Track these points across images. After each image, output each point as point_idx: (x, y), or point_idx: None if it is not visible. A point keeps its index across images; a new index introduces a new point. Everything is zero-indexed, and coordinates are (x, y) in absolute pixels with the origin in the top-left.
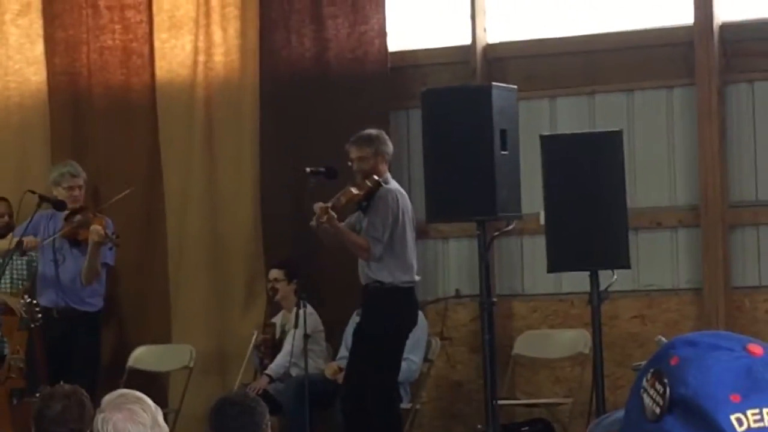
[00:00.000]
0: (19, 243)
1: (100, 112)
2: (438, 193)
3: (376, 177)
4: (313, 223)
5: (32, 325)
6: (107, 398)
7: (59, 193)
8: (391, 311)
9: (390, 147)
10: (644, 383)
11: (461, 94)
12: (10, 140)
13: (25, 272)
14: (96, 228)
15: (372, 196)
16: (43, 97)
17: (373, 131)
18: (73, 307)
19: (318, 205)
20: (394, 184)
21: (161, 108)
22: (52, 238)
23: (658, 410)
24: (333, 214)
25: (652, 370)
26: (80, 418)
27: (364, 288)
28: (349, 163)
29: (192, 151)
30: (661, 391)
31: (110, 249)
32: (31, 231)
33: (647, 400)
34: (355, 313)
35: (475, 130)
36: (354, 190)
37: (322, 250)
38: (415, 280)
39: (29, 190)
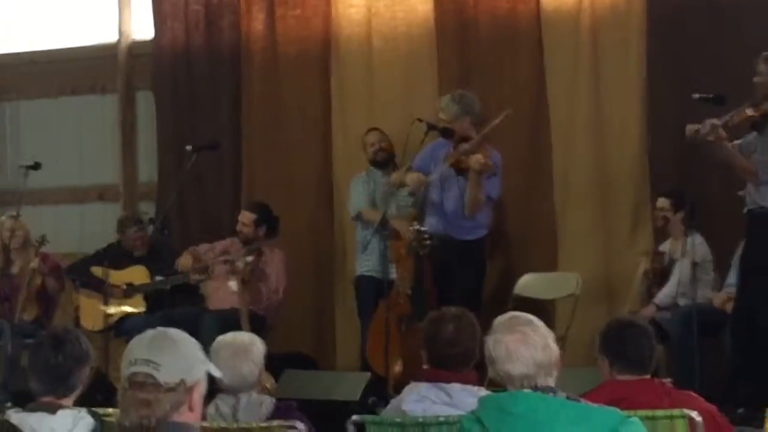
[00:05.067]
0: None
1: (486, 41)
2: None
3: None
4: (695, 133)
5: (420, 252)
6: (498, 320)
7: (463, 126)
8: None
9: None
10: None
11: None
12: (399, 69)
13: (410, 199)
14: (477, 157)
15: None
16: (430, 26)
17: None
18: (453, 236)
19: (709, 122)
20: None
21: (547, 36)
22: (439, 171)
23: None
24: (722, 132)
25: None
26: (472, 337)
27: (748, 213)
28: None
29: (578, 79)
30: None
31: (490, 179)
32: (428, 160)
33: None
34: (743, 241)
35: None
36: (749, 111)
37: (711, 178)
38: None
39: (418, 119)
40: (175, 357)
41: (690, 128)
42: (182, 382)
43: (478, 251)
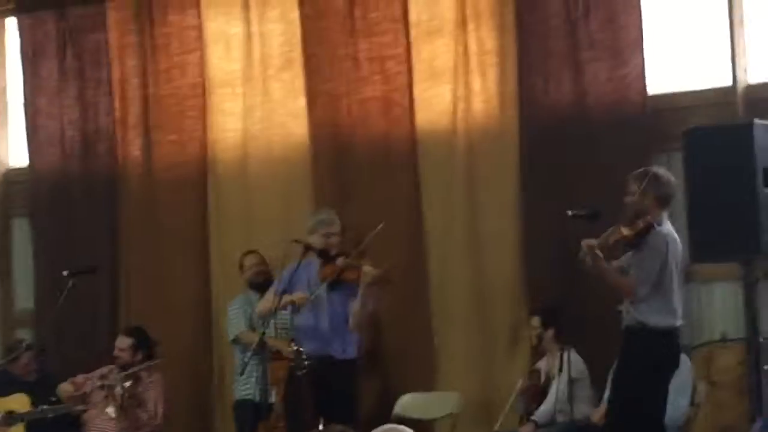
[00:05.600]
0: (292, 303)
1: (361, 164)
2: (701, 234)
3: (649, 218)
4: (582, 257)
5: (299, 373)
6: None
7: (316, 241)
8: (652, 353)
9: (666, 188)
10: None
11: (723, 132)
12: (276, 191)
13: (288, 322)
14: (369, 269)
15: (643, 237)
16: (305, 148)
17: (651, 169)
18: (332, 356)
19: (585, 243)
20: (667, 227)
21: (422, 157)
22: (319, 290)
23: None
24: (599, 253)
25: None
26: None
27: (625, 329)
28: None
29: (453, 200)
30: None
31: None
32: (289, 283)
33: None
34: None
35: (737, 168)
36: (624, 230)
37: (587, 294)
38: (678, 325)
39: (295, 240)
40: None
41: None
42: None
43: (353, 370)
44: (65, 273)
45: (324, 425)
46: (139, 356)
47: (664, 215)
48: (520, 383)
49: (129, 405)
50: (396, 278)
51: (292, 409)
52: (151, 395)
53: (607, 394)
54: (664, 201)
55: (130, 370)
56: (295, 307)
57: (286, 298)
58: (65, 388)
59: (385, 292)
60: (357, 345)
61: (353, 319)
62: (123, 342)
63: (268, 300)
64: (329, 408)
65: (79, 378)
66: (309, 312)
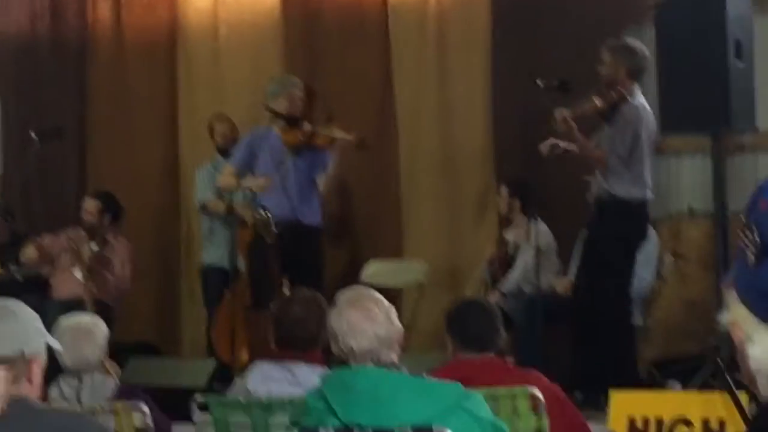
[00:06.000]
0: (250, 190)
1: (332, 30)
2: (671, 106)
3: (621, 89)
4: (554, 127)
5: (267, 239)
6: (342, 295)
7: (279, 105)
8: (621, 224)
9: (639, 60)
10: (742, 233)
11: (696, 3)
12: (245, 57)
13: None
14: (343, 134)
15: (616, 108)
16: (276, 14)
17: (625, 40)
18: (300, 220)
19: (558, 112)
20: (639, 99)
21: (393, 24)
22: (281, 160)
23: (753, 258)
24: (572, 123)
25: (744, 220)
26: (319, 321)
27: (596, 200)
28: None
29: (424, 67)
30: (752, 239)
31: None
32: (247, 156)
33: (746, 249)
34: (585, 228)
35: (709, 40)
36: (597, 101)
37: (555, 165)
38: (648, 198)
39: (265, 105)
40: (14, 328)
41: (544, 147)
42: (21, 353)
43: (320, 236)
44: (32, 134)
45: (290, 289)
46: (106, 220)
47: (636, 88)
48: (487, 252)
49: (96, 268)
50: (369, 145)
51: (258, 275)
52: (118, 258)
53: (574, 265)
54: (636, 73)
55: (98, 233)
56: (254, 194)
57: (245, 183)
58: (29, 253)
59: (355, 158)
60: (321, 211)
61: (327, 183)
62: (90, 205)
63: (227, 176)
64: (296, 274)
65: (46, 240)
66: (276, 179)
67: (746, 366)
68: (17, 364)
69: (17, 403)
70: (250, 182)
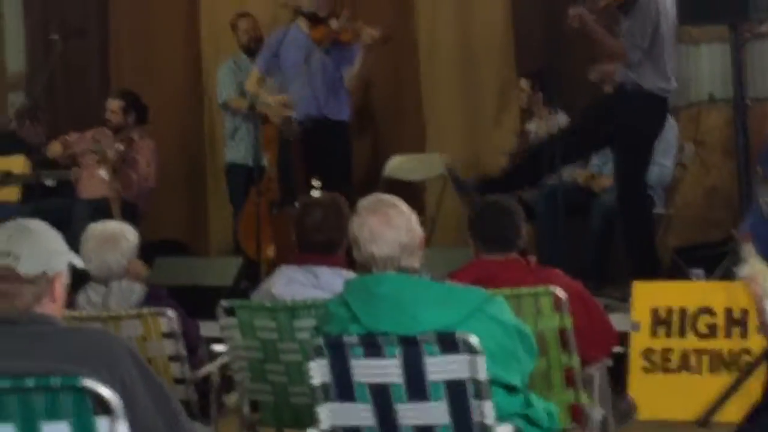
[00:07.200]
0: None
1: None
2: None
3: None
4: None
5: (290, 138)
6: (362, 202)
7: (305, 2)
8: (645, 115)
9: None
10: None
11: None
12: None
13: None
14: (369, 30)
15: (632, 0)
16: None
17: None
18: (328, 117)
19: (572, 11)
20: None
21: None
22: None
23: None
24: (588, 18)
25: (760, 170)
26: (338, 225)
27: (620, 86)
28: None
29: None
30: None
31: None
32: (276, 52)
33: (762, 201)
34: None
35: None
36: None
37: (576, 56)
38: (671, 89)
39: (283, 4)
40: (35, 248)
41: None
42: (43, 273)
43: (348, 131)
44: (55, 36)
45: (321, 186)
46: (131, 119)
47: None
48: (509, 144)
49: (121, 167)
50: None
51: (284, 172)
52: (143, 157)
53: (594, 158)
54: None
55: (123, 133)
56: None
57: (265, 98)
58: (54, 148)
59: (376, 53)
60: (349, 106)
61: (353, 80)
62: (113, 104)
63: (253, 81)
64: (325, 169)
65: (72, 137)
66: (303, 76)
67: (763, 320)
68: (39, 283)
69: (41, 322)
70: (270, 99)
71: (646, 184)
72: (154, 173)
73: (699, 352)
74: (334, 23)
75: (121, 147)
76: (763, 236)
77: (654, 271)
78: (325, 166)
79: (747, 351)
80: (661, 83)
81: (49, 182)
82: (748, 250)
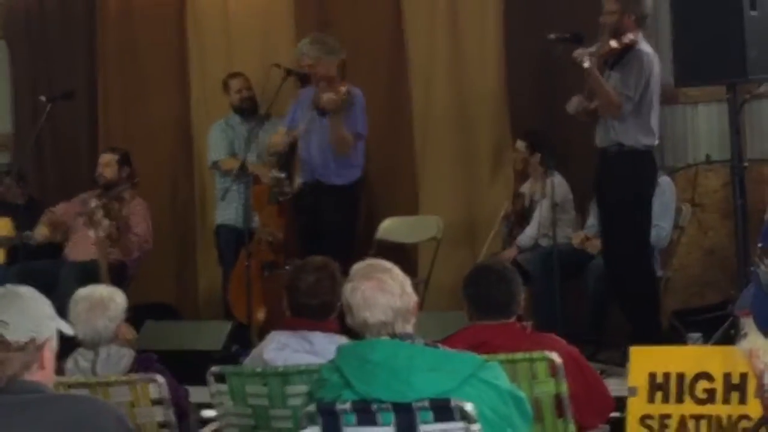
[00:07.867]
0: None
1: None
2: (686, 57)
3: (631, 36)
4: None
5: (280, 199)
6: (356, 267)
7: (326, 66)
8: (630, 174)
9: (645, 8)
10: (757, 259)
11: None
12: (256, 14)
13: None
14: (328, 96)
15: (626, 53)
16: None
17: None
18: (322, 181)
19: (577, 52)
20: (647, 47)
21: None
22: (306, 118)
23: None
24: (593, 59)
25: (760, 246)
26: (331, 290)
27: (603, 151)
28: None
29: (435, 19)
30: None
31: (352, 115)
32: (295, 115)
33: (761, 273)
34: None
35: None
36: (613, 43)
37: (571, 119)
38: (654, 144)
39: (275, 64)
40: (24, 315)
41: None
42: (32, 340)
43: (349, 195)
44: (42, 98)
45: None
46: (124, 173)
47: (641, 35)
48: (503, 207)
49: (118, 233)
50: (370, 112)
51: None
52: (138, 219)
53: (590, 218)
54: (642, 20)
55: (116, 189)
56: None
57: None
58: (41, 231)
59: (370, 114)
60: (354, 167)
61: (332, 145)
62: (107, 158)
63: (279, 134)
64: (317, 234)
65: (59, 209)
66: (302, 140)
67: (765, 397)
68: (28, 349)
69: (30, 390)
70: (273, 137)
71: (649, 247)
72: (150, 233)
73: (697, 418)
74: (322, 86)
75: (113, 204)
76: (762, 311)
77: (655, 334)
78: (315, 230)
79: (746, 416)
80: (644, 139)
81: (33, 243)
82: (748, 324)
